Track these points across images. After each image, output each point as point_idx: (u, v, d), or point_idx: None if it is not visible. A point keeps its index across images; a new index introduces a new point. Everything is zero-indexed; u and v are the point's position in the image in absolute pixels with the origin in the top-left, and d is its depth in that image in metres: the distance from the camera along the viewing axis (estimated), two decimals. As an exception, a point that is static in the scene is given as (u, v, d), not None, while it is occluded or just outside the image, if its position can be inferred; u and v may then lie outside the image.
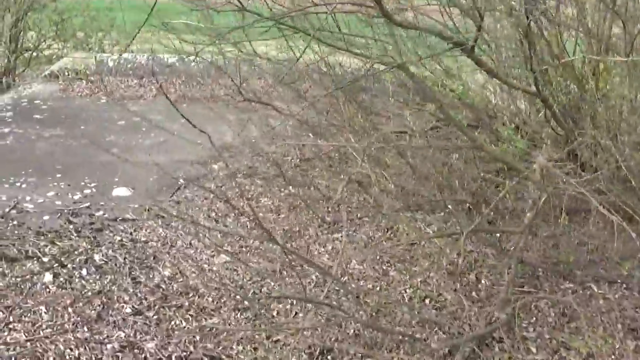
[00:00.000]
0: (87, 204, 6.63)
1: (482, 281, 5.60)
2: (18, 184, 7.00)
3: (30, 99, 10.07)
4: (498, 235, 5.97)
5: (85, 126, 8.92)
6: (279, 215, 6.71)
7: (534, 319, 5.06)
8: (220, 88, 10.83)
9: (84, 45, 12.59)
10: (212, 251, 5.88)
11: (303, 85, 8.97)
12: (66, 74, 11.24)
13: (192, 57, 10.88)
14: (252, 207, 6.16)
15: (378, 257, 6.00)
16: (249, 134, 8.63)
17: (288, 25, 4.99)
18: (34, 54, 12.37)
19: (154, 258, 5.71)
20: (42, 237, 5.90)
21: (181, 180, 7.32)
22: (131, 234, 6.12)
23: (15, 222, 6.15)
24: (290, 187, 7.27)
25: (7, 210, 6.35)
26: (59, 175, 7.24)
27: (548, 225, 5.89)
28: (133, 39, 5.67)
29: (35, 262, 5.47)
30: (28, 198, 6.68)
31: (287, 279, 5.57)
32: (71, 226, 6.14)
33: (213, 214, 6.64)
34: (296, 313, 5.13)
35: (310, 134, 8.80)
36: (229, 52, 7.98)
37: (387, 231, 6.59)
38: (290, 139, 8.56)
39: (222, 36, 5.66)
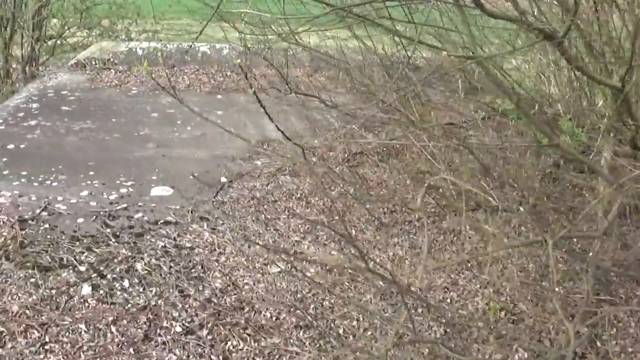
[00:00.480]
0: (125, 205, 6.13)
1: (556, 289, 5.07)
2: (48, 182, 6.51)
3: (56, 90, 9.57)
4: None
5: (116, 118, 8.40)
6: (332, 217, 6.17)
7: (615, 330, 4.68)
8: (259, 78, 10.30)
9: (110, 33, 12.04)
10: (265, 259, 5.35)
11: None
12: (93, 63, 10.72)
13: (226, 45, 10.42)
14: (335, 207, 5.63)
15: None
16: (293, 126, 8.16)
17: (364, 17, 4.47)
18: (58, 42, 11.83)
19: (201, 267, 5.23)
20: (78, 243, 5.43)
21: (224, 178, 6.81)
22: (175, 239, 5.62)
23: (47, 226, 5.68)
24: (341, 185, 6.74)
25: (37, 212, 5.87)
26: (91, 173, 6.73)
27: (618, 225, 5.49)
28: (201, 33, 5.12)
29: (71, 271, 5.02)
30: (60, 198, 6.18)
31: (348, 290, 5.06)
32: (108, 230, 5.66)
33: (262, 217, 6.11)
34: (364, 330, 4.62)
35: (355, 127, 8.27)
36: (274, 43, 7.54)
37: (450, 234, 6.06)
38: (336, 132, 8.01)
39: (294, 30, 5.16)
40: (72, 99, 9.15)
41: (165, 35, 11.77)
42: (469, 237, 5.94)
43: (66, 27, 11.75)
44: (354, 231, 5.96)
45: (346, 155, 7.52)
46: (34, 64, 11.46)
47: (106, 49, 10.97)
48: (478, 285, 5.27)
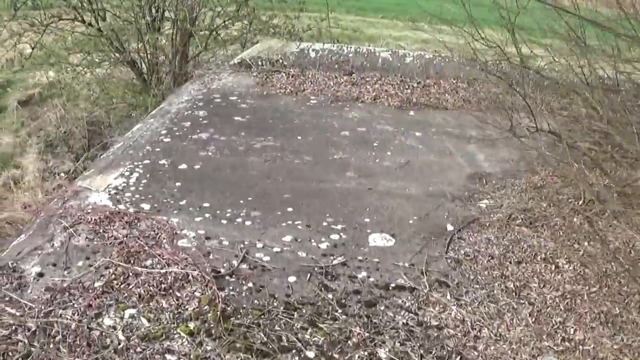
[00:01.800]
0: (342, 259, 4.83)
1: None
2: (239, 220, 5.32)
3: (223, 94, 8.42)
4: None
5: (302, 136, 7.17)
6: (588, 288, 4.77)
7: None
8: (451, 92, 8.94)
9: (270, 29, 10.81)
10: (533, 347, 4.03)
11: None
12: (260, 64, 9.52)
13: (410, 52, 9.09)
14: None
15: None
16: (506, 156, 6.85)
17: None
18: (213, 34, 10.64)
19: (460, 358, 3.90)
20: (295, 314, 4.23)
21: (450, 226, 5.49)
22: (416, 313, 4.40)
23: (250, 285, 4.43)
24: (586, 243, 5.34)
25: (235, 263, 4.63)
26: (289, 209, 5.50)
27: None
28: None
29: (296, 357, 3.75)
30: (258, 244, 4.99)
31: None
32: (330, 295, 4.47)
33: (510, 284, 4.73)
34: None
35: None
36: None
37: None
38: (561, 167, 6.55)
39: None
40: (245, 108, 7.96)
41: (339, 32, 10.46)
42: None
43: (221, 21, 10.54)
44: (617, 309, 4.54)
45: (582, 201, 6.07)
46: (185, 61, 10.36)
47: (274, 49, 9.78)
48: None
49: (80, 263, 4.64)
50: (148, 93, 10.22)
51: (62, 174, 10.36)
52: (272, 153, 6.70)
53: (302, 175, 6.28)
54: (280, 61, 9.65)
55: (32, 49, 10.24)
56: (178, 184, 5.90)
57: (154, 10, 10.09)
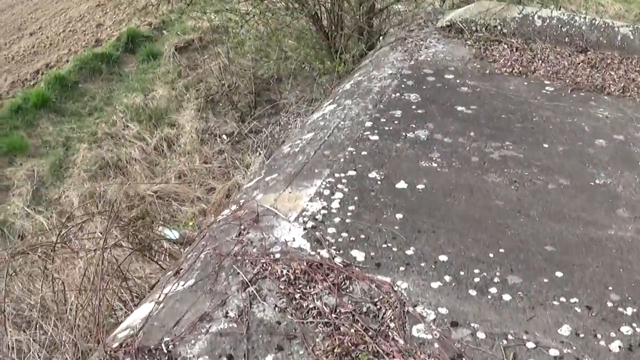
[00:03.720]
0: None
1: None
2: (493, 291, 3.77)
3: (436, 70, 6.75)
4: None
5: (548, 143, 5.54)
6: None
7: None
8: None
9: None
10: None
11: None
12: (473, 29, 7.71)
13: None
14: None
15: None
16: None
17: None
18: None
19: None
20: None
21: None
22: None
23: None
24: None
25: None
26: (559, 275, 3.86)
27: None
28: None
29: None
30: (528, 343, 3.35)
31: None
32: None
33: None
34: None
35: None
36: None
37: None
38: None
39: None
40: (466, 92, 6.28)
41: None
42: None
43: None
44: None
45: None
46: (374, 13, 8.70)
47: (492, 11, 7.90)
48: None
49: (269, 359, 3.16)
50: (329, 50, 8.63)
51: (225, 137, 9.01)
52: (516, 169, 5.05)
53: (562, 211, 4.64)
54: (500, 28, 7.82)
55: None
56: (399, 215, 4.36)
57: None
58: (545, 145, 5.47)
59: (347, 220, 4.29)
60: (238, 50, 10.05)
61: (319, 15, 8.49)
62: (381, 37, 8.34)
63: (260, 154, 8.39)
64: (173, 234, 6.77)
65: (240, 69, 10.04)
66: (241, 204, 4.60)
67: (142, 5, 10.78)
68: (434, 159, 5.11)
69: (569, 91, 6.61)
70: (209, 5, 9.32)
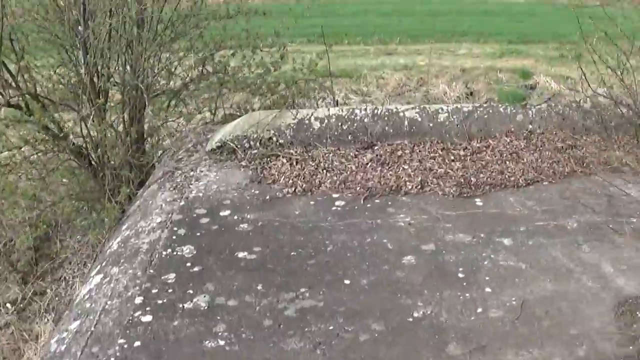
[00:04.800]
0: None
1: None
2: None
3: (210, 207, 6.01)
4: None
5: (349, 278, 4.99)
6: None
7: None
8: (511, 157, 6.72)
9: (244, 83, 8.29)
10: None
11: None
12: (247, 145, 6.99)
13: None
14: None
15: None
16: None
17: None
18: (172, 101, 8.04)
19: None
20: None
21: None
22: None
23: None
24: None
25: None
26: None
27: None
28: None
29: None
30: None
31: None
32: None
33: None
34: None
35: None
36: None
37: None
38: None
39: None
40: (247, 231, 5.50)
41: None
42: None
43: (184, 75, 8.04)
44: None
45: None
46: (142, 142, 7.85)
47: (263, 123, 7.21)
48: None
49: None
50: (100, 191, 7.63)
51: (9, 306, 7.74)
52: (318, 325, 4.30)
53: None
54: (275, 139, 7.13)
55: None
56: None
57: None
58: (347, 282, 4.75)
59: None
60: (9, 199, 8.79)
61: (86, 149, 7.53)
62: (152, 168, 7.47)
63: (48, 320, 7.24)
64: None
65: (15, 221, 8.77)
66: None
67: None
68: (220, 333, 4.25)
69: (362, 201, 5.99)
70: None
